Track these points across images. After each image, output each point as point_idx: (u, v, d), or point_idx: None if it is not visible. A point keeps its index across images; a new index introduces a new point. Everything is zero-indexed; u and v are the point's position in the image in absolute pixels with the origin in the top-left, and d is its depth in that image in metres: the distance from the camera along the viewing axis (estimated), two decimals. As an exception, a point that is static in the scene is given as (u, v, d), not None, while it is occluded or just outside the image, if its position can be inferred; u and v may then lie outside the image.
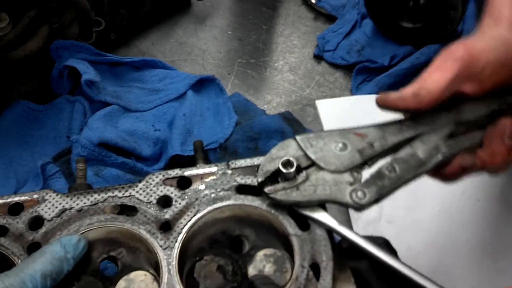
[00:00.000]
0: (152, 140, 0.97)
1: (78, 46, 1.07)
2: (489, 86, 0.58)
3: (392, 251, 0.61)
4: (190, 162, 0.97)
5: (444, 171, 0.60)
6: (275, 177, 0.58)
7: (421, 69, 1.07)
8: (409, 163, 0.58)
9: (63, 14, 1.06)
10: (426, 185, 0.91)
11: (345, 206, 0.58)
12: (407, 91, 0.56)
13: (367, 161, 0.59)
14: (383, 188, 0.57)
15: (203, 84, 1.08)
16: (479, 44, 0.58)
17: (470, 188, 0.91)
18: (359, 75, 1.12)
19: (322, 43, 1.19)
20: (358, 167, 0.58)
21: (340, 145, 0.59)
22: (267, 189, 0.58)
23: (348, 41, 1.18)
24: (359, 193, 0.57)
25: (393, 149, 0.59)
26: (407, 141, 0.60)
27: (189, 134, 0.98)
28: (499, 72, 0.58)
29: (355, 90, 1.10)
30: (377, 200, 0.57)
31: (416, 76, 1.06)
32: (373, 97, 1.01)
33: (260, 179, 0.58)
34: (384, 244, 0.61)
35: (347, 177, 0.58)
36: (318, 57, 1.19)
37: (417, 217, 0.88)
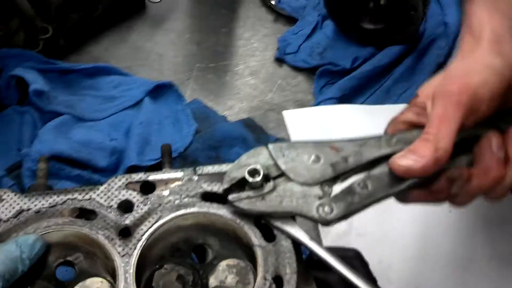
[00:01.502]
0: (108, 150, 0.92)
1: (25, 54, 1.01)
2: (482, 117, 0.57)
3: (363, 264, 0.59)
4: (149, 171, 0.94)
5: (431, 187, 0.58)
6: (241, 185, 0.56)
7: (383, 71, 1.09)
8: (383, 181, 0.57)
9: (8, 22, 1.00)
10: None
11: (310, 220, 0.55)
12: (427, 159, 0.54)
13: (339, 176, 0.57)
14: (352, 205, 0.55)
15: (160, 90, 1.03)
16: (473, 79, 0.55)
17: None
18: (322, 78, 1.09)
19: (283, 46, 1.16)
20: (329, 181, 0.56)
21: (313, 157, 0.57)
22: (231, 197, 0.56)
23: (309, 43, 1.16)
24: (326, 208, 0.55)
25: (369, 165, 0.57)
26: (384, 158, 0.57)
27: (146, 143, 0.94)
28: (493, 104, 0.57)
29: (318, 94, 1.07)
30: (344, 216, 0.55)
31: (378, 78, 1.08)
32: (342, 107, 1.02)
33: (225, 186, 0.56)
34: (355, 257, 0.59)
35: (316, 190, 0.55)
36: (279, 60, 1.16)
37: (388, 229, 0.86)
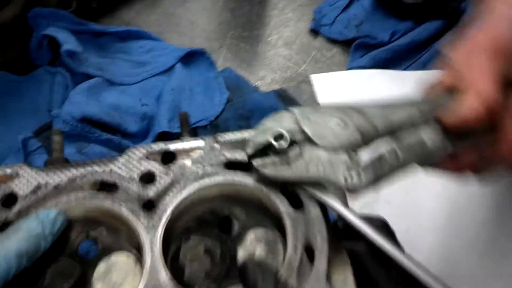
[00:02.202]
0: (139, 115, 0.91)
1: (58, 14, 0.99)
2: None
3: (390, 233, 0.57)
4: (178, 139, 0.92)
5: (458, 161, 0.56)
6: (265, 150, 0.53)
7: (421, 45, 1.05)
8: (415, 151, 0.54)
9: (41, -19, 0.99)
10: None
11: (337, 187, 0.53)
12: (477, 105, 0.52)
13: (367, 142, 0.54)
14: (382, 173, 0.53)
15: (192, 57, 1.01)
16: (498, 28, 0.54)
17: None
18: (358, 51, 1.06)
19: (318, 17, 1.13)
20: (356, 147, 0.53)
21: (340, 122, 0.54)
22: (255, 163, 0.53)
23: (346, 15, 1.12)
24: (354, 175, 0.52)
25: (397, 130, 0.55)
26: (414, 125, 0.55)
27: (177, 110, 0.92)
28: None
29: (352, 66, 1.04)
30: (373, 184, 0.52)
31: (415, 51, 1.04)
32: (371, 72, 0.99)
33: (249, 151, 0.53)
34: (382, 225, 0.57)
35: (343, 156, 0.53)
36: (314, 32, 1.12)
37: (416, 198, 0.84)
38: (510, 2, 0.56)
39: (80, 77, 0.95)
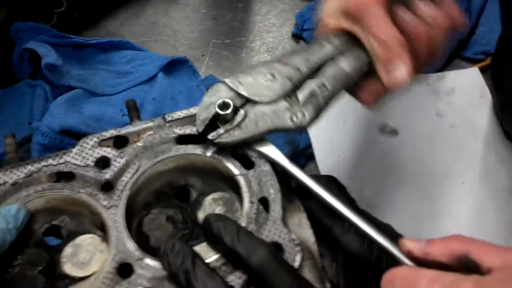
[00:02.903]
0: (120, 125, 0.90)
1: (39, 28, 1.00)
2: None
3: (340, 188, 0.61)
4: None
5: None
6: (214, 123, 0.58)
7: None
8: (337, 78, 0.61)
9: (22, -5, 1.00)
10: (407, 168, 0.89)
11: (288, 130, 0.59)
12: (405, 56, 0.58)
13: (297, 85, 0.60)
14: (319, 105, 0.59)
15: (175, 66, 1.02)
16: None
17: (453, 170, 0.89)
18: (340, 54, 1.06)
19: (301, 22, 1.13)
20: (291, 92, 0.59)
21: (269, 76, 0.60)
22: (210, 136, 0.57)
23: (328, 19, 1.12)
24: (299, 115, 0.58)
25: (319, 67, 0.61)
26: (331, 58, 0.61)
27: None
28: None
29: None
30: (316, 116, 0.59)
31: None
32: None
33: (200, 128, 0.58)
34: (331, 181, 0.61)
35: (283, 104, 0.59)
36: (297, 36, 1.13)
37: (397, 201, 0.85)
38: None
39: (61, 89, 0.96)
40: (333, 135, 0.93)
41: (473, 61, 1.06)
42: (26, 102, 0.95)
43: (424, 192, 0.85)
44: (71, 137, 0.88)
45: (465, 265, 0.45)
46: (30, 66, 0.99)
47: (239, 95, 0.58)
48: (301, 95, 0.59)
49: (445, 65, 1.05)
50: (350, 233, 0.55)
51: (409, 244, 0.48)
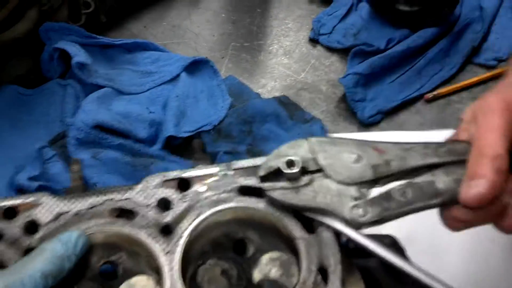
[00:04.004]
0: (147, 122, 0.95)
1: (68, 28, 1.04)
2: None
3: (399, 250, 0.58)
4: (185, 143, 0.96)
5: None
6: (278, 175, 0.55)
7: (416, 52, 1.09)
8: (424, 191, 0.54)
9: (52, -3, 1.04)
10: None
11: (341, 220, 0.54)
12: (490, 175, 0.50)
13: (379, 180, 0.55)
14: (387, 210, 0.53)
15: (196, 66, 1.06)
16: (510, 91, 0.55)
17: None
18: (355, 58, 1.10)
19: (317, 27, 1.17)
20: (367, 184, 0.54)
21: (355, 156, 0.55)
22: (265, 185, 0.55)
23: (344, 25, 1.17)
24: (361, 211, 0.53)
25: (411, 172, 0.55)
26: (429, 168, 0.55)
27: (182, 116, 0.97)
28: None
29: (349, 73, 1.08)
30: (377, 221, 0.53)
31: (411, 58, 1.08)
32: (387, 134, 0.99)
33: (261, 173, 0.56)
34: (391, 243, 0.59)
35: (353, 191, 0.54)
36: (313, 41, 1.17)
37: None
38: None
39: (90, 87, 0.99)
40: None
41: (485, 67, 1.10)
42: (57, 101, 0.99)
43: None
44: (103, 131, 0.92)
45: None
46: (60, 65, 1.02)
47: (315, 160, 0.55)
48: (376, 191, 0.54)
49: (458, 71, 1.09)
50: None
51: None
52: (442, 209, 0.55)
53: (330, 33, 1.16)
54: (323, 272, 0.53)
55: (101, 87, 0.99)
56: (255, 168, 0.58)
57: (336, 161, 0.55)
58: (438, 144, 0.56)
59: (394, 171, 0.55)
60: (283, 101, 1.02)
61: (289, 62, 1.14)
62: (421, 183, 0.54)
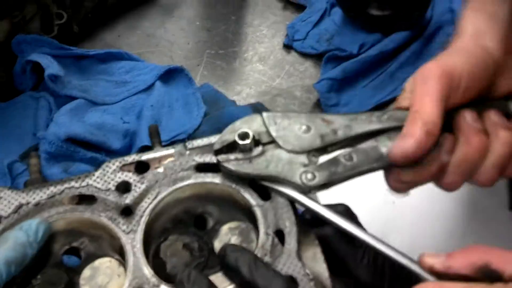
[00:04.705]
0: (121, 132, 0.95)
1: (41, 40, 1.04)
2: (463, 100, 0.58)
3: (352, 217, 0.61)
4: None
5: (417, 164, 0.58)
6: (232, 148, 0.58)
7: (388, 56, 1.10)
8: (368, 155, 0.58)
9: (24, 8, 1.03)
10: None
11: (292, 186, 0.57)
12: (419, 135, 0.54)
13: (327, 147, 0.58)
14: (335, 174, 0.57)
15: (171, 75, 1.06)
16: (450, 59, 0.58)
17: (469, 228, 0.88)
18: (329, 63, 1.11)
19: (291, 33, 1.18)
20: (316, 152, 0.58)
21: (304, 127, 0.59)
22: (220, 157, 0.58)
23: (317, 30, 1.18)
24: (309, 175, 0.56)
25: (357, 139, 0.59)
26: (373, 134, 0.59)
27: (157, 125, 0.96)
28: (472, 85, 0.58)
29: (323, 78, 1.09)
30: (326, 185, 0.57)
31: (383, 62, 1.09)
32: None
33: (216, 147, 0.58)
34: (344, 211, 0.61)
35: (302, 158, 0.57)
36: (287, 47, 1.18)
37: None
38: (479, 35, 0.60)
39: (63, 99, 0.99)
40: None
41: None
42: (30, 114, 0.98)
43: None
44: (76, 144, 0.91)
45: (487, 275, 0.45)
46: (32, 77, 1.02)
47: (268, 132, 0.58)
48: (324, 158, 0.57)
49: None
50: (363, 264, 0.56)
51: (430, 259, 0.49)
52: (386, 174, 0.59)
53: (304, 38, 1.17)
54: (280, 234, 0.55)
55: (75, 98, 0.99)
56: (210, 146, 0.61)
57: (287, 132, 0.58)
58: (381, 112, 0.60)
59: (340, 139, 0.58)
60: (258, 108, 1.03)
61: (264, 69, 1.14)
62: (366, 148, 0.58)
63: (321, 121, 0.59)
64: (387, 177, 0.59)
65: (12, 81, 1.03)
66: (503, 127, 0.57)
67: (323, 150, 0.58)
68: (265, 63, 1.15)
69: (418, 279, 0.49)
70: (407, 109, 0.59)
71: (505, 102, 0.61)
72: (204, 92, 1.06)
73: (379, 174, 0.60)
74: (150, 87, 1.03)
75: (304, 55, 1.16)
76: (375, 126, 0.59)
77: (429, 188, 0.60)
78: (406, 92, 0.61)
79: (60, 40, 1.07)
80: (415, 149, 0.54)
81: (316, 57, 1.15)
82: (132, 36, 1.19)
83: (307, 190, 0.56)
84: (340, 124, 0.59)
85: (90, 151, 0.93)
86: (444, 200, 0.88)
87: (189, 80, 1.06)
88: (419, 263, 0.50)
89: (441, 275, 0.48)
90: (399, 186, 0.59)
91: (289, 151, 0.58)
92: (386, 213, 0.88)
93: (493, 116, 0.58)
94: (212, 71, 1.14)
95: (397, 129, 0.58)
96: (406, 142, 0.54)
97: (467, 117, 0.57)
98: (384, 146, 0.58)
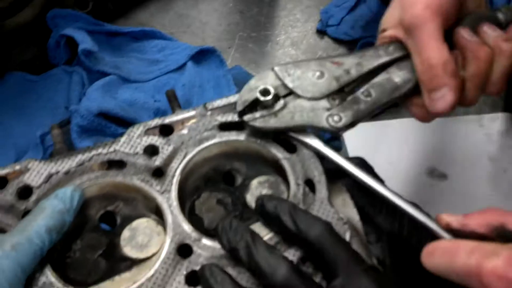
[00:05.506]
0: (152, 110, 0.95)
1: (76, 15, 1.04)
2: (453, 21, 0.61)
3: (368, 168, 0.63)
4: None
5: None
6: (254, 106, 0.59)
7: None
8: (384, 87, 0.60)
9: (59, -17, 1.04)
10: (456, 213, 0.86)
11: (322, 130, 0.59)
12: (447, 83, 0.57)
13: (344, 87, 0.61)
14: (358, 112, 0.59)
15: (203, 55, 1.05)
16: None
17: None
18: (363, 50, 1.09)
19: (325, 18, 1.16)
20: (335, 94, 0.60)
21: (317, 73, 0.61)
22: (246, 118, 0.59)
23: (352, 16, 1.16)
24: (335, 117, 0.59)
25: (370, 74, 0.61)
26: (384, 67, 0.61)
27: (188, 105, 0.96)
28: (454, 5, 0.60)
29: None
30: (353, 123, 0.59)
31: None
32: (399, 122, 0.98)
33: (239, 108, 0.60)
34: (361, 162, 0.63)
35: (324, 103, 0.59)
36: (321, 32, 1.16)
37: None
38: None
39: (96, 75, 0.99)
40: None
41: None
42: (63, 88, 0.98)
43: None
44: (107, 120, 0.91)
45: (502, 235, 0.46)
46: (66, 52, 1.02)
47: (284, 85, 0.60)
48: (344, 98, 0.60)
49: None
50: (382, 213, 0.58)
51: (447, 217, 0.50)
52: (407, 104, 0.63)
53: (338, 24, 1.15)
54: (309, 184, 0.57)
55: (107, 74, 0.99)
56: (229, 106, 0.63)
57: (303, 81, 0.60)
58: (385, 45, 0.63)
59: (355, 77, 0.61)
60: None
61: (296, 53, 1.13)
62: (380, 81, 0.61)
63: (332, 64, 0.62)
64: (409, 108, 0.63)
65: (46, 55, 1.03)
66: (504, 40, 0.59)
67: (340, 91, 0.61)
68: (298, 48, 1.14)
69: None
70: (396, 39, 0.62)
71: (493, 13, 0.63)
72: (235, 74, 1.05)
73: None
74: (181, 67, 1.03)
75: (338, 41, 1.14)
76: (384, 59, 0.62)
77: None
78: (389, 30, 0.64)
79: (94, 16, 1.07)
80: (454, 96, 0.57)
81: (350, 44, 1.13)
82: (165, 16, 1.19)
83: (336, 132, 0.59)
84: (351, 63, 0.61)
85: (122, 127, 0.93)
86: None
87: (220, 62, 1.06)
88: (436, 220, 0.51)
89: (457, 233, 0.49)
90: (423, 113, 0.62)
91: (309, 99, 0.59)
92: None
93: (488, 30, 0.61)
94: (244, 53, 1.13)
95: (402, 58, 0.61)
96: (444, 93, 0.57)
97: (465, 34, 0.60)
98: (397, 76, 0.61)
